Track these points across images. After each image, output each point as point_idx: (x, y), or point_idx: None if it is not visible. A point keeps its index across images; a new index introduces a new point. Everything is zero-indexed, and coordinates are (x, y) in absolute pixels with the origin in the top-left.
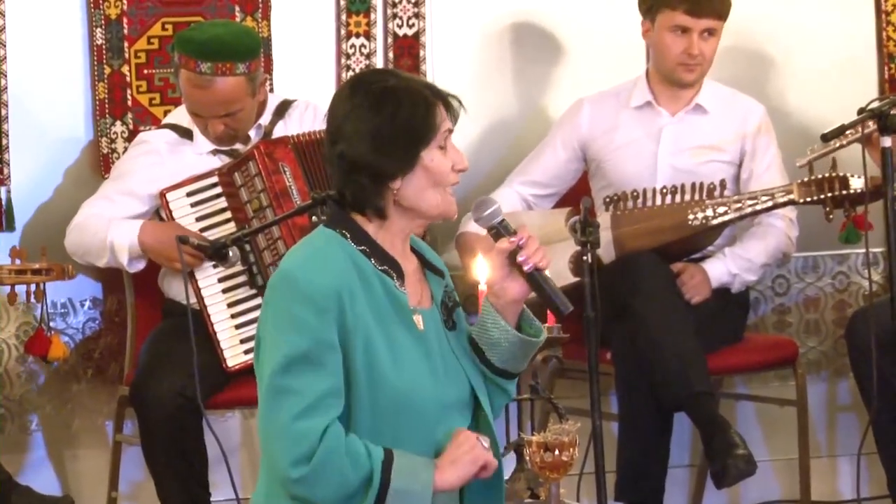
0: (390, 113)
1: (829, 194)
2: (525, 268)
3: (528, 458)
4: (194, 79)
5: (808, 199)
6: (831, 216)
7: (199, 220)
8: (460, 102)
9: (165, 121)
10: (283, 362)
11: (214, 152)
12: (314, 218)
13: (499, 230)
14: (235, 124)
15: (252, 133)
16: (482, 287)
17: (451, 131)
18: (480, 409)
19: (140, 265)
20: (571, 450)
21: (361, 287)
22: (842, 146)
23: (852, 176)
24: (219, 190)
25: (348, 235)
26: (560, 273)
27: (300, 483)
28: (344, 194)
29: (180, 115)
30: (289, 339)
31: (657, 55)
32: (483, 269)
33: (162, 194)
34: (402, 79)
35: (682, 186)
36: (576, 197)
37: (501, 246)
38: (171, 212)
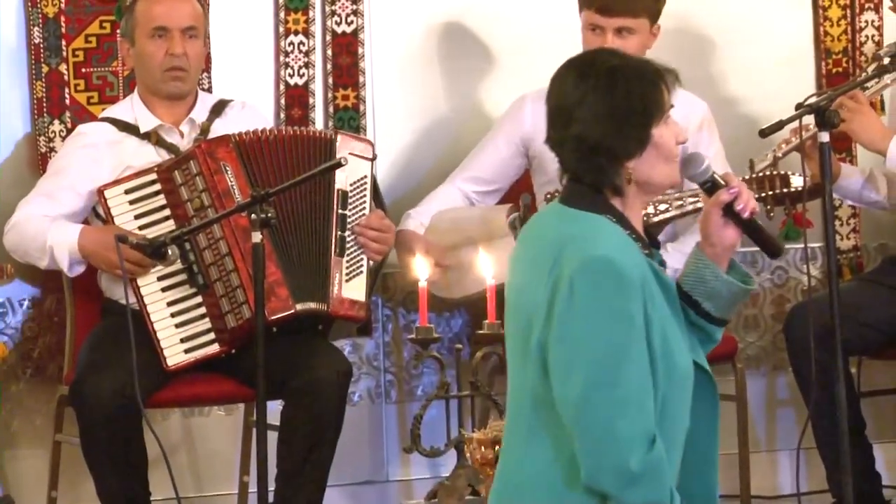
0: (625, 92)
1: (771, 192)
2: (744, 215)
3: (468, 454)
4: None
5: None
6: (772, 213)
7: (137, 217)
8: (677, 77)
9: (104, 115)
10: (601, 354)
11: (156, 142)
12: (253, 216)
13: (714, 183)
14: (191, 55)
15: (186, 128)
16: (422, 284)
17: (672, 105)
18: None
19: (80, 269)
20: None
21: (649, 272)
22: (778, 159)
23: (793, 174)
24: (158, 187)
25: (615, 221)
26: (499, 272)
27: (633, 479)
28: (580, 176)
29: (119, 110)
30: (606, 327)
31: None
32: (423, 268)
33: (100, 192)
34: (622, 57)
35: None
36: (519, 193)
37: (721, 198)
38: (108, 209)
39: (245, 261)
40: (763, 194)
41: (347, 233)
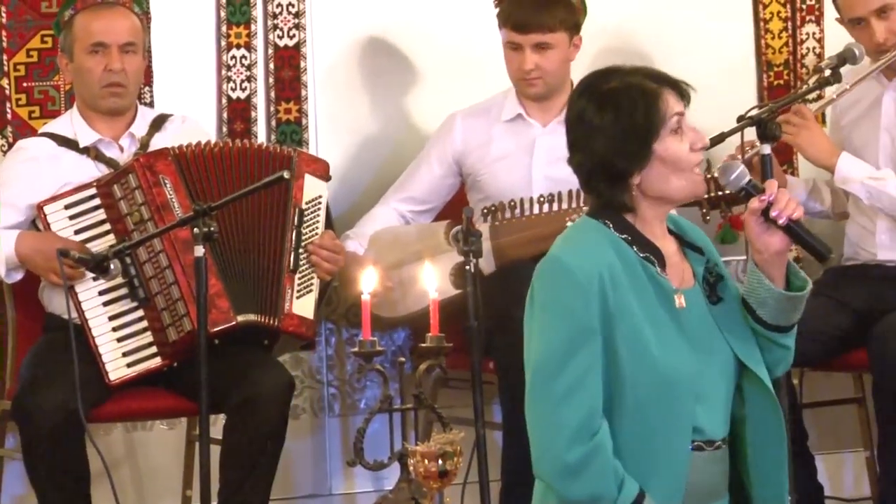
0: (612, 115)
1: (705, 196)
2: (780, 221)
3: (412, 468)
4: (97, 8)
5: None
6: (708, 217)
7: (77, 232)
8: (687, 84)
9: (43, 130)
10: (546, 349)
11: (95, 156)
12: (196, 230)
13: (748, 191)
14: (129, 71)
15: (126, 142)
16: (365, 298)
17: (681, 114)
18: (752, 375)
19: (18, 276)
20: (455, 459)
21: (625, 272)
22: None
23: None
24: (97, 202)
25: (610, 225)
26: (440, 286)
27: (570, 470)
28: (591, 197)
29: (58, 125)
30: (553, 325)
31: (507, 70)
32: (366, 281)
33: (39, 207)
34: (623, 76)
35: (559, 194)
36: (453, 211)
37: (753, 206)
38: (48, 225)
39: (185, 273)
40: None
41: (301, 250)
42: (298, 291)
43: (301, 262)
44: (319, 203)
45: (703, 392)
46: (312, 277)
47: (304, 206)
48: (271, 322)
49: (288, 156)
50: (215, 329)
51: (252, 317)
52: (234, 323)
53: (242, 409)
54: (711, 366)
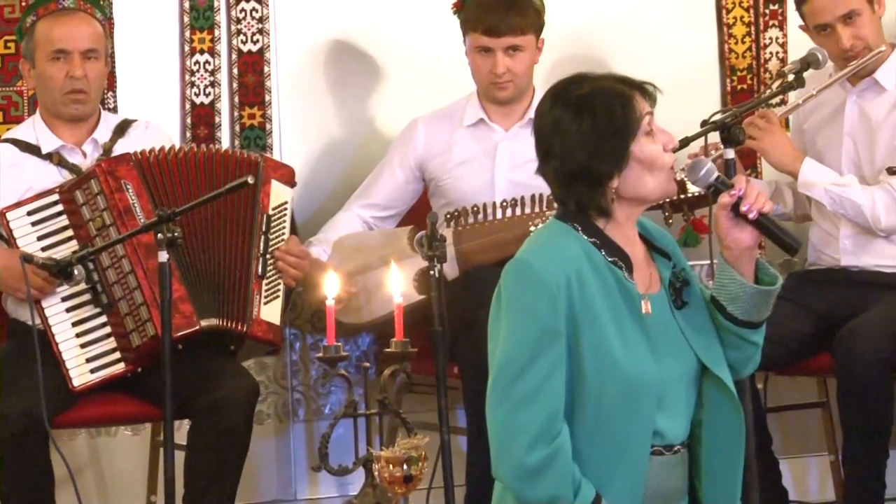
0: (591, 120)
1: (667, 199)
2: (750, 216)
3: (377, 473)
4: (58, 14)
5: None
6: (671, 220)
7: (40, 238)
8: (654, 86)
9: (6, 136)
10: (510, 351)
11: (58, 162)
12: (160, 235)
13: (717, 187)
14: (91, 78)
15: (89, 148)
16: (329, 303)
17: (651, 114)
18: (715, 379)
19: None
20: (420, 464)
21: (593, 275)
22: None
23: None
24: (60, 208)
25: (579, 228)
26: (405, 292)
27: (529, 473)
28: (566, 203)
29: (21, 131)
30: (519, 326)
31: (473, 75)
32: (330, 287)
33: (1, 213)
34: (593, 82)
35: (522, 199)
36: (416, 216)
37: (723, 201)
38: (11, 231)
39: (148, 278)
40: (661, 202)
41: (268, 256)
42: (266, 297)
43: (269, 269)
44: (285, 209)
45: (665, 397)
46: (279, 283)
47: (270, 212)
48: (240, 327)
49: (254, 161)
50: (178, 334)
51: (215, 322)
52: (197, 328)
53: (207, 414)
54: (675, 371)
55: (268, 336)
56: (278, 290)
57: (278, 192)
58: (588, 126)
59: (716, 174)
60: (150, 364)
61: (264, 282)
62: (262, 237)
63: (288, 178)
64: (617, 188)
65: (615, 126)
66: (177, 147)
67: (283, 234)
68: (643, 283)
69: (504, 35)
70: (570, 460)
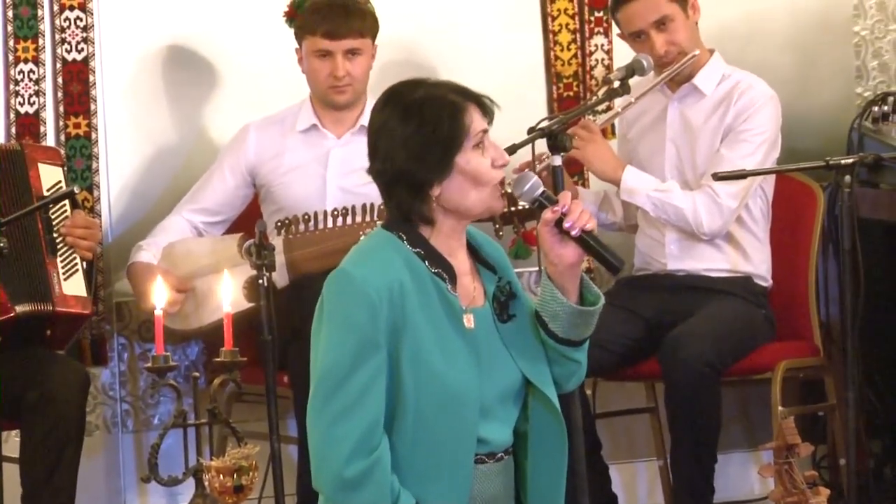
0: (417, 125)
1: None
2: (573, 233)
3: (207, 483)
4: None
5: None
6: (501, 233)
7: None
8: (492, 101)
9: None
10: (330, 362)
11: None
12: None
13: (542, 202)
14: None
15: None
16: (158, 312)
17: (486, 131)
18: (538, 392)
19: None
20: (251, 474)
21: (415, 287)
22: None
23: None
24: None
25: (404, 238)
26: (234, 299)
27: (348, 485)
28: (391, 208)
29: None
30: (338, 337)
31: (310, 81)
32: (159, 296)
33: None
34: (429, 88)
35: (353, 208)
36: (247, 223)
37: (546, 217)
38: None
39: None
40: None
41: (55, 234)
42: (64, 273)
43: (59, 246)
44: (60, 188)
45: (487, 408)
46: (75, 257)
47: (45, 194)
48: (46, 307)
49: (13, 149)
50: None
51: (28, 307)
52: (12, 314)
53: (39, 407)
54: (498, 384)
55: (76, 308)
56: (76, 264)
57: (49, 174)
58: (412, 130)
59: (541, 189)
60: None
61: (59, 259)
62: (44, 217)
63: (55, 158)
64: (439, 197)
65: (440, 135)
66: None
67: (65, 211)
68: (467, 296)
69: (345, 38)
70: (388, 471)
